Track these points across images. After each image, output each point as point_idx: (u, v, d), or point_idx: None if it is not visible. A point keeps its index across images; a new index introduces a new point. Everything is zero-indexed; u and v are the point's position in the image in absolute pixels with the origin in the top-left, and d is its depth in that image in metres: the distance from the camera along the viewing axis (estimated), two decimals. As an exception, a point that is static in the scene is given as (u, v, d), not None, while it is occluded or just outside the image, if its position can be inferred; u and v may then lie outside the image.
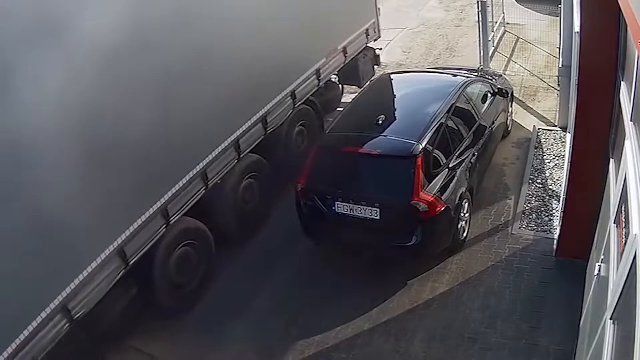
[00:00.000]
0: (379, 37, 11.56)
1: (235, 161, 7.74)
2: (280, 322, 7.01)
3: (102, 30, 5.81)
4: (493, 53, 11.83)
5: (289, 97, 8.82)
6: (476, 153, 7.86)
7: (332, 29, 10.01)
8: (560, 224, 7.32)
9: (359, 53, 10.89)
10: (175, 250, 6.97)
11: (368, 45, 11.21)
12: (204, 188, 7.18)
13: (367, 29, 11.04)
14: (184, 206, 6.89)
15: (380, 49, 11.91)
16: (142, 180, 6.33)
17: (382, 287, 7.23)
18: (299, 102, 9.11)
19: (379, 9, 11.44)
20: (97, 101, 5.75)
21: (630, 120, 4.47)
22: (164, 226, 6.63)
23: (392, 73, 10.61)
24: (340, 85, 11.24)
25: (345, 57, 10.39)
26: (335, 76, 10.70)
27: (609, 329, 3.92)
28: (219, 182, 7.46)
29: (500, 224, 7.96)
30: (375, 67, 11.59)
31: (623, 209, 4.26)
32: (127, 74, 6.06)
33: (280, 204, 8.48)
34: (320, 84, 9.69)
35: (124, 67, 6.01)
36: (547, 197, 8.27)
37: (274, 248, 8.10)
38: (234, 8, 7.55)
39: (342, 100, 11.15)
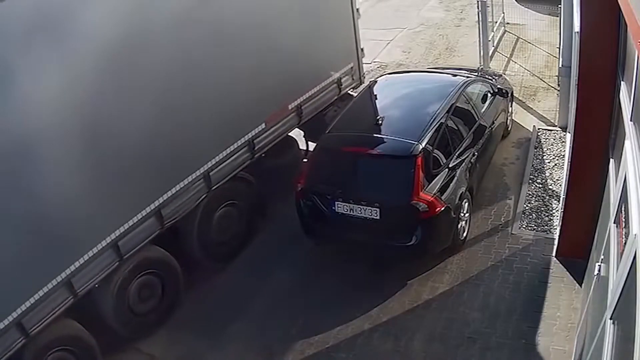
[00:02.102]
0: (361, 83, 9.58)
1: (117, 264, 6.43)
2: (280, 322, 7.01)
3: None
4: (493, 53, 11.82)
5: (200, 181, 7.10)
6: (476, 153, 7.85)
7: (281, 83, 7.95)
8: (560, 224, 7.32)
9: (326, 107, 8.95)
10: (47, 356, 6.05)
11: (348, 92, 9.35)
12: (71, 298, 6.07)
13: (339, 78, 9.02)
14: (45, 318, 5.91)
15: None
16: None
17: (382, 287, 7.22)
18: (218, 184, 7.33)
19: (362, 49, 9.53)
20: None
21: (630, 120, 4.47)
22: (22, 339, 5.75)
23: (392, 73, 10.60)
24: (304, 142, 9.19)
25: (301, 117, 8.44)
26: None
27: (609, 329, 3.92)
28: (97, 286, 6.34)
29: (500, 224, 7.96)
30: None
31: (623, 209, 4.26)
32: None
33: (281, 204, 8.46)
34: (257, 155, 7.82)
35: None
36: (547, 197, 8.27)
37: (274, 248, 8.09)
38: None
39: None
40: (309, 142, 9.12)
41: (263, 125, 7.80)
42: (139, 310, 6.87)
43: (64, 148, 5.76)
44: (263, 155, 8.00)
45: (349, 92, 9.52)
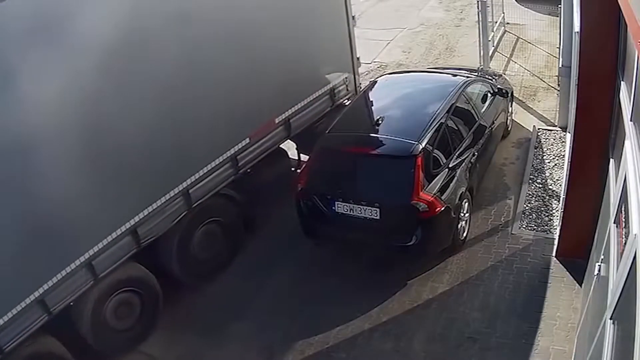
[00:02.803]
0: (356, 94, 9.07)
1: (91, 282, 6.23)
2: (280, 322, 7.02)
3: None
4: (493, 53, 11.81)
5: (179, 198, 6.84)
6: (476, 153, 7.85)
7: (268, 95, 7.55)
8: (560, 224, 7.32)
9: (319, 119, 8.53)
10: None
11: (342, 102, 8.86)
12: (46, 315, 5.92)
13: (332, 88, 8.59)
14: (20, 334, 5.79)
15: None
16: None
17: (382, 287, 7.23)
18: (199, 201, 7.06)
19: (358, 58, 9.11)
20: None
21: (630, 120, 4.47)
22: None
23: (391, 73, 10.61)
24: (297, 154, 8.87)
25: (289, 131, 8.06)
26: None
27: (609, 329, 3.92)
28: (71, 304, 6.17)
29: (500, 224, 7.96)
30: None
31: (623, 209, 4.27)
32: None
33: (279, 205, 8.45)
34: (242, 171, 7.53)
35: None
36: (547, 197, 8.27)
37: (274, 248, 8.09)
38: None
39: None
40: (302, 155, 8.86)
41: (247, 140, 7.46)
42: (115, 327, 6.68)
43: (36, 160, 5.56)
44: (249, 170, 7.70)
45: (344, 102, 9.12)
